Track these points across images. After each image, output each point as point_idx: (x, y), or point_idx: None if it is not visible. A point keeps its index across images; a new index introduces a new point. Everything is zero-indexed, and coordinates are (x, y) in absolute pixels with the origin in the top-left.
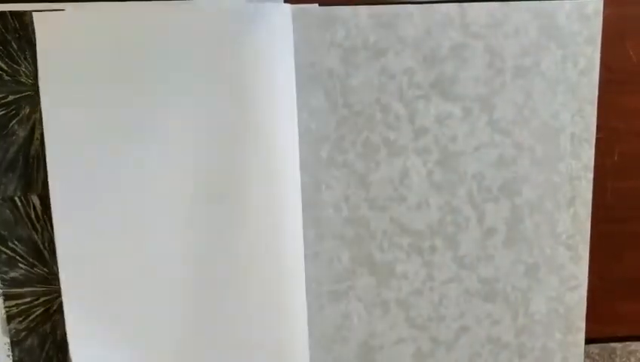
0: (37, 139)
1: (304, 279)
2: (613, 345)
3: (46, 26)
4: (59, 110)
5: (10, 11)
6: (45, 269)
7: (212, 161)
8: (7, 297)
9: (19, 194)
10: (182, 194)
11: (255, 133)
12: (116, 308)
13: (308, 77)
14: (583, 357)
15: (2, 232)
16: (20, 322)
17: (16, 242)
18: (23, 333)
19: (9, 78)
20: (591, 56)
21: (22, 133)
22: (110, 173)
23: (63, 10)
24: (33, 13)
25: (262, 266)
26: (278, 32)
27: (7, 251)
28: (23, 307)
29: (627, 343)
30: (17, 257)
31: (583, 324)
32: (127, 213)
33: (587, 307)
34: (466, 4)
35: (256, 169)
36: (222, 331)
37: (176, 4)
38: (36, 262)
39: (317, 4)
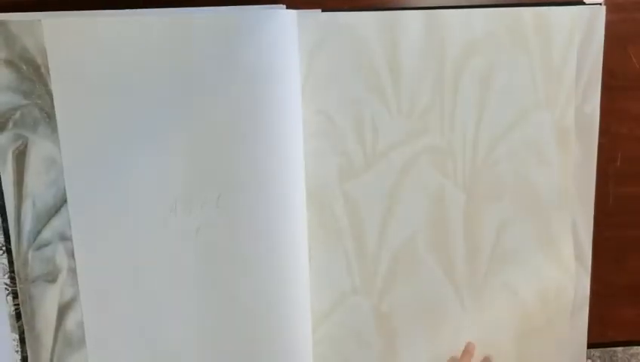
0: None
1: (308, 283)
2: (614, 349)
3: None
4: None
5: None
6: None
7: (212, 166)
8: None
9: None
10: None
11: (259, 139)
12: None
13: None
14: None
15: None
16: None
17: None
18: None
19: None
20: (593, 61)
21: None
22: (113, 177)
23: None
24: (43, 23)
25: (264, 269)
26: (281, 38)
27: None
28: None
29: (628, 347)
30: None
31: (585, 330)
32: (127, 214)
33: (589, 311)
34: (467, 10)
35: (259, 173)
36: (224, 331)
37: (179, 13)
38: None
39: (320, 10)
